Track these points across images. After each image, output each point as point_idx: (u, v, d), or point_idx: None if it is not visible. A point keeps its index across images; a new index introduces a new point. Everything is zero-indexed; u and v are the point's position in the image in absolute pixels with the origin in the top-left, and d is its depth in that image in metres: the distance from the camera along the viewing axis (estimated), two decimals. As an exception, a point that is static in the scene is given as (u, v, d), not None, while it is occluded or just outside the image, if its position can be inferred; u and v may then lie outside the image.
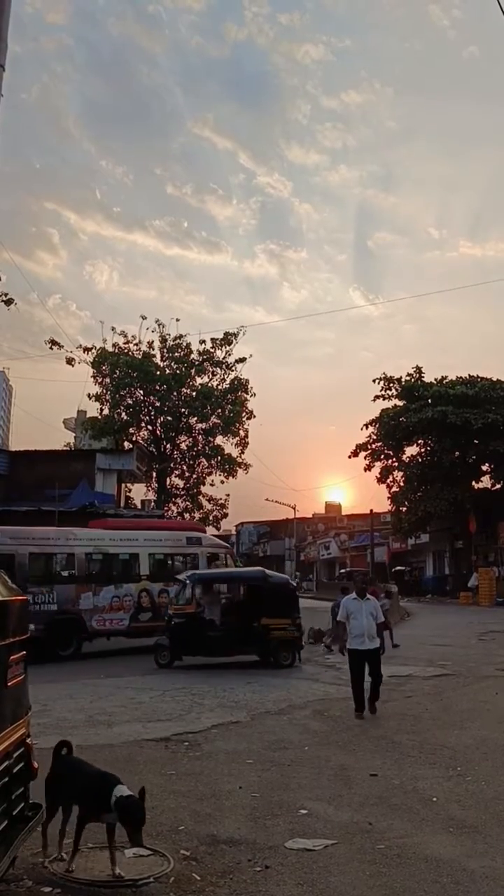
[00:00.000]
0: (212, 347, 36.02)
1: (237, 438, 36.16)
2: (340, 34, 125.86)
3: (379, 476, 46.23)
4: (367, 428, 45.53)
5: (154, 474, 36.82)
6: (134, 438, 35.79)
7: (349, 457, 46.70)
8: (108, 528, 20.28)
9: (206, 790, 6.43)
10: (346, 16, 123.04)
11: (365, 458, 45.83)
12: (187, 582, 15.29)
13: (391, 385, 44.83)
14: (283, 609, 14.56)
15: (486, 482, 44.76)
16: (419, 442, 44.61)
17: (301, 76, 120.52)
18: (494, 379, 42.83)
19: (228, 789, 6.45)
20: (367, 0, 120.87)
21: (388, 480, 46.20)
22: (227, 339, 36.20)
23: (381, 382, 44.94)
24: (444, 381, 44.03)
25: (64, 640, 16.86)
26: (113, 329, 39.63)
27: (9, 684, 3.87)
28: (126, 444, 35.40)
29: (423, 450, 45.15)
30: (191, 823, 5.55)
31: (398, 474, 46.04)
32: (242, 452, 36.51)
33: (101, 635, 17.95)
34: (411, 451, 45.78)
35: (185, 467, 36.67)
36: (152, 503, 37.59)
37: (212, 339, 36.16)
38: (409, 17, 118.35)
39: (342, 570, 58.42)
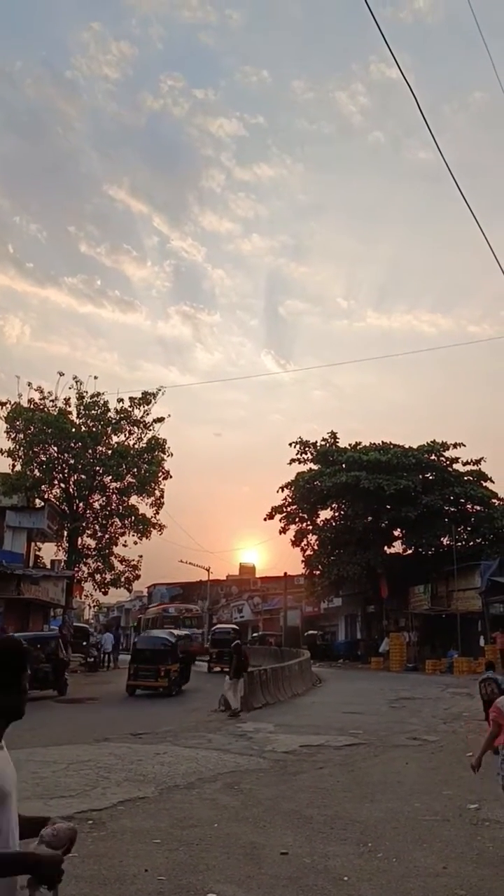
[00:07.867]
0: (129, 406, 35.75)
1: (152, 498, 35.69)
2: (253, 111, 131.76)
3: (293, 539, 46.53)
4: (282, 490, 45.98)
5: (65, 533, 35.82)
6: (46, 496, 34.85)
7: (265, 519, 46.90)
8: None
9: (110, 874, 6.11)
10: (258, 95, 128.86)
11: (280, 520, 46.13)
12: None
13: (307, 449, 45.58)
14: None
15: (397, 547, 45.59)
16: (333, 506, 45.18)
17: (215, 147, 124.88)
18: (406, 446, 44.12)
19: (134, 872, 6.15)
20: (278, 82, 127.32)
21: (303, 543, 46.50)
22: (146, 399, 36.04)
23: (297, 446, 45.70)
24: (358, 447, 45.04)
25: None
26: (29, 384, 38.88)
27: None
28: (38, 501, 34.44)
29: (336, 514, 45.73)
30: (92, 913, 5.25)
31: (312, 538, 46.36)
32: (157, 513, 36.02)
33: None
34: (325, 514, 46.29)
35: (97, 527, 35.80)
36: (62, 563, 36.49)
37: (130, 398, 35.96)
38: (317, 100, 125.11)
39: (255, 634, 57.96)
